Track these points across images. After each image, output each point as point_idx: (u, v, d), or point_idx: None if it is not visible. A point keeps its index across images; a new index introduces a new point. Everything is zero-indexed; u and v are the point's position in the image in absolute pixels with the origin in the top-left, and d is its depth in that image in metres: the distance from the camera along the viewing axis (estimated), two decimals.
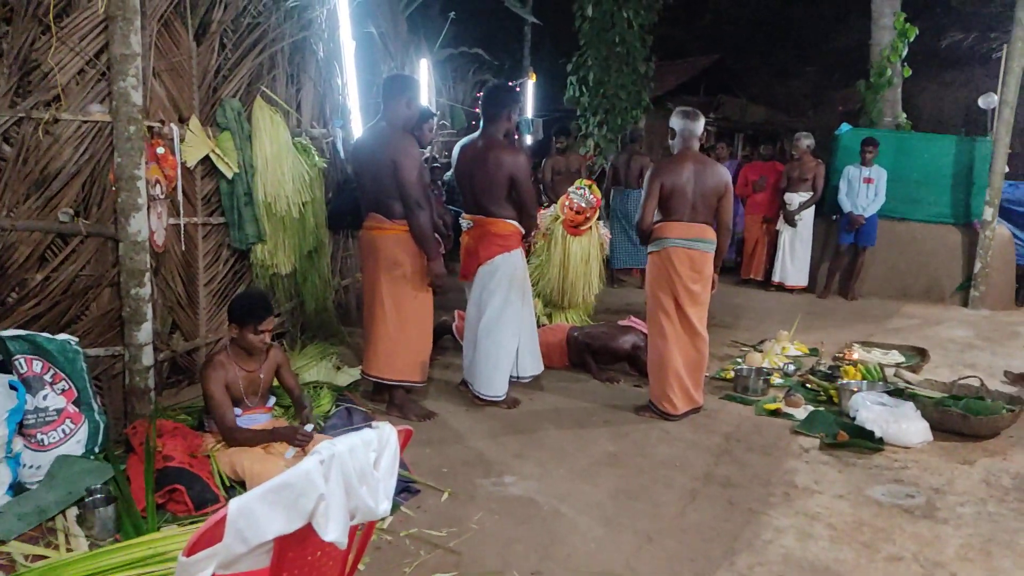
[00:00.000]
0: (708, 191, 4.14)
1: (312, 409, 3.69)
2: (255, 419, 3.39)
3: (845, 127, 8.57)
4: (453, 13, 12.62)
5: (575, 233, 6.18)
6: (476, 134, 4.35)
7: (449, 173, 10.38)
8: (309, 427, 3.22)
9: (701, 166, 4.15)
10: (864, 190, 7.78)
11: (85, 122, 3.45)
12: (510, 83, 11.74)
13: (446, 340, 5.36)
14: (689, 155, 4.17)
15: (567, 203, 6.20)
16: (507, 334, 4.31)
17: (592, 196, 6.16)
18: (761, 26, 20.65)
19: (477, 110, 15.73)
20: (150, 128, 3.62)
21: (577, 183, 6.37)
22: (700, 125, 4.23)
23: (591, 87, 10.53)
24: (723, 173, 4.21)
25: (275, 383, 3.54)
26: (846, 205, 7.86)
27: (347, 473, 1.60)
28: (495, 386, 4.33)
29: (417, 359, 4.13)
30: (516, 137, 9.93)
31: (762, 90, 19.11)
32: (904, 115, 8.98)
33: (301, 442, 3.15)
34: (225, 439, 3.24)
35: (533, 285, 6.01)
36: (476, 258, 4.32)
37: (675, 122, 4.23)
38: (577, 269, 6.16)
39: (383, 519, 2.89)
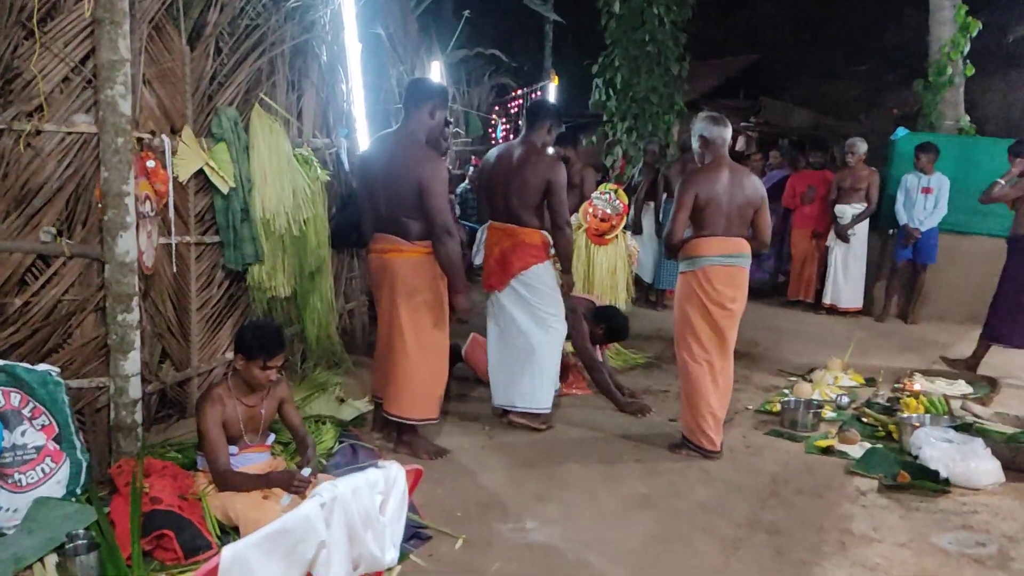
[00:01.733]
0: (744, 203, 4.18)
1: (315, 449, 3.70)
2: (252, 458, 3.40)
3: (901, 131, 8.52)
4: (467, 12, 12.75)
5: (600, 242, 6.15)
6: (515, 140, 4.59)
7: (463, 185, 10.43)
8: (307, 471, 3.22)
9: (737, 176, 4.19)
10: (922, 201, 7.70)
11: (69, 134, 3.50)
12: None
13: (457, 368, 5.36)
14: (724, 164, 4.20)
15: (590, 210, 6.16)
16: (559, 341, 4.55)
17: (619, 202, 6.10)
18: (805, 22, 20.62)
19: (493, 116, 15.81)
20: (139, 140, 3.67)
21: (601, 187, 6.32)
22: (730, 131, 4.31)
23: (619, 90, 10.55)
24: (759, 184, 4.28)
25: (276, 419, 3.56)
26: (902, 217, 7.79)
27: (351, 517, 1.60)
28: (543, 398, 4.48)
29: (435, 393, 4.15)
30: None
31: (808, 92, 19.03)
32: (967, 118, 8.92)
33: (298, 489, 3.15)
34: (216, 483, 3.25)
35: None
36: (509, 268, 4.43)
37: (704, 129, 4.25)
38: (603, 281, 6.13)
39: (390, 569, 2.87)
